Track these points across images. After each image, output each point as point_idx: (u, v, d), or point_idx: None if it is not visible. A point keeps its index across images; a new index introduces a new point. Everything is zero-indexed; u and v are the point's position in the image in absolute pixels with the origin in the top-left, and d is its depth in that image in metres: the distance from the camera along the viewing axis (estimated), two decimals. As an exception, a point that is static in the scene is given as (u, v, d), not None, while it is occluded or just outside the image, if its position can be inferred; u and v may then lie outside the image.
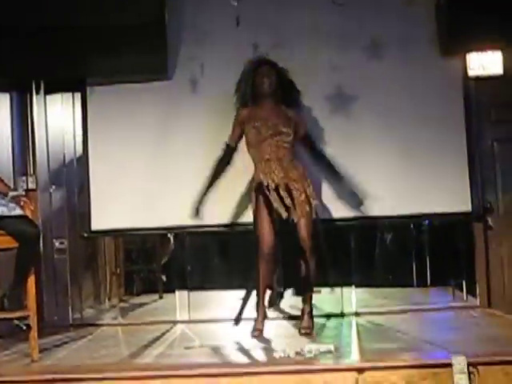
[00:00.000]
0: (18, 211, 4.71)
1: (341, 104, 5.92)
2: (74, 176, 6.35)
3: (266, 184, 5.19)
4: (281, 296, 6.42)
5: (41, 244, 5.76)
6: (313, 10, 5.89)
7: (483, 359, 4.00)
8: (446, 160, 5.88)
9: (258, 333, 5.25)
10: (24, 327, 4.70)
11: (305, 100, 5.63)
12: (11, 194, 4.83)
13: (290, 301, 6.34)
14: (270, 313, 5.81)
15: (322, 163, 5.53)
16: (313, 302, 5.36)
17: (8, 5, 5.64)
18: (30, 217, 4.77)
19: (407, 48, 5.92)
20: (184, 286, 6.31)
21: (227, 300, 6.65)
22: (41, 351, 4.78)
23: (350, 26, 5.91)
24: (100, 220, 6.03)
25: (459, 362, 3.91)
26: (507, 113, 6.04)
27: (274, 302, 6.29)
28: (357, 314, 6.04)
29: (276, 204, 5.12)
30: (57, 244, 6.31)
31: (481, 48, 5.84)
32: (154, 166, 5.98)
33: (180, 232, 6.24)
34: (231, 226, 5.83)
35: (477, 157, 5.99)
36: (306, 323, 5.28)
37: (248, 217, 5.48)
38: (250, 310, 5.36)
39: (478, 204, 5.96)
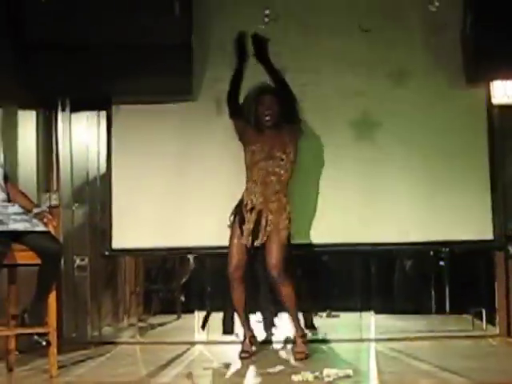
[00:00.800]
0: (41, 227, 4.76)
1: (366, 130, 5.95)
2: (97, 194, 6.37)
3: (245, 203, 5.26)
4: (272, 323, 6.19)
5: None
6: (339, 36, 5.93)
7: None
8: (468, 187, 5.87)
9: (244, 354, 5.25)
10: (44, 343, 4.73)
11: (329, 125, 5.73)
12: (35, 210, 4.89)
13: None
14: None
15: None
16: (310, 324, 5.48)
17: (43, 22, 5.70)
18: (53, 233, 4.81)
19: (431, 76, 5.94)
20: (203, 307, 6.31)
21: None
22: (59, 368, 4.80)
23: (375, 53, 5.94)
24: (121, 238, 6.05)
25: (478, 391, 3.91)
26: (530, 141, 6.03)
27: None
28: (376, 340, 6.01)
29: (248, 225, 5.19)
30: (77, 261, 6.32)
31: (505, 76, 5.86)
32: (176, 185, 6.00)
33: (201, 253, 6.24)
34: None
35: (500, 185, 5.97)
36: (299, 348, 5.26)
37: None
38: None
39: (499, 233, 5.93)
